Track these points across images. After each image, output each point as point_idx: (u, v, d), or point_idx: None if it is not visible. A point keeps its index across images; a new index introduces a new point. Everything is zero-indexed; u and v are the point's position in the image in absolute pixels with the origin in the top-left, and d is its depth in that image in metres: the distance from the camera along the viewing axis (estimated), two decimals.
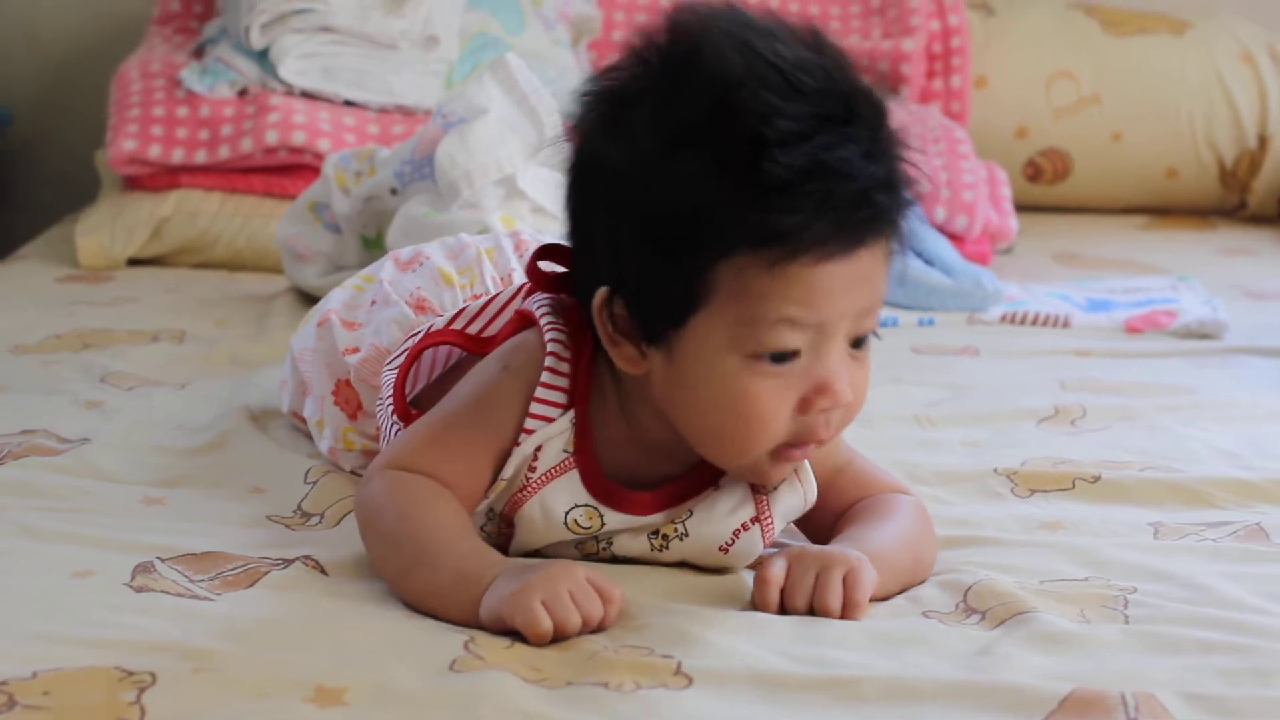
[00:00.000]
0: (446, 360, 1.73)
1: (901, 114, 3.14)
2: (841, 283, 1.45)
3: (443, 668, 1.36)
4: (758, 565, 1.58)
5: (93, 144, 3.32)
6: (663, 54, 1.49)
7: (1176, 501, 1.85)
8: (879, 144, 1.45)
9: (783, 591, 1.50)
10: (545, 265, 1.61)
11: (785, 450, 1.52)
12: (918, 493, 1.84)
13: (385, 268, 1.95)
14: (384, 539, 1.54)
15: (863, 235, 1.45)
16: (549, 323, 1.58)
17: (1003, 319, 2.69)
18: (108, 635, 1.39)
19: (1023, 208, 3.43)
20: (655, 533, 1.60)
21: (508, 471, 1.57)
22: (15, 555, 1.58)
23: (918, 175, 1.50)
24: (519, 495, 1.58)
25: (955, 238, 2.97)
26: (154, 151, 2.99)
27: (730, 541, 1.60)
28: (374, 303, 1.90)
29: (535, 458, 1.57)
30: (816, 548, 1.55)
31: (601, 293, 1.52)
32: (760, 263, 1.44)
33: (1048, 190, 3.54)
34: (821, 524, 1.65)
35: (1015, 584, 1.58)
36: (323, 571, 1.57)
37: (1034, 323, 2.67)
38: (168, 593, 1.50)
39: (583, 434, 1.57)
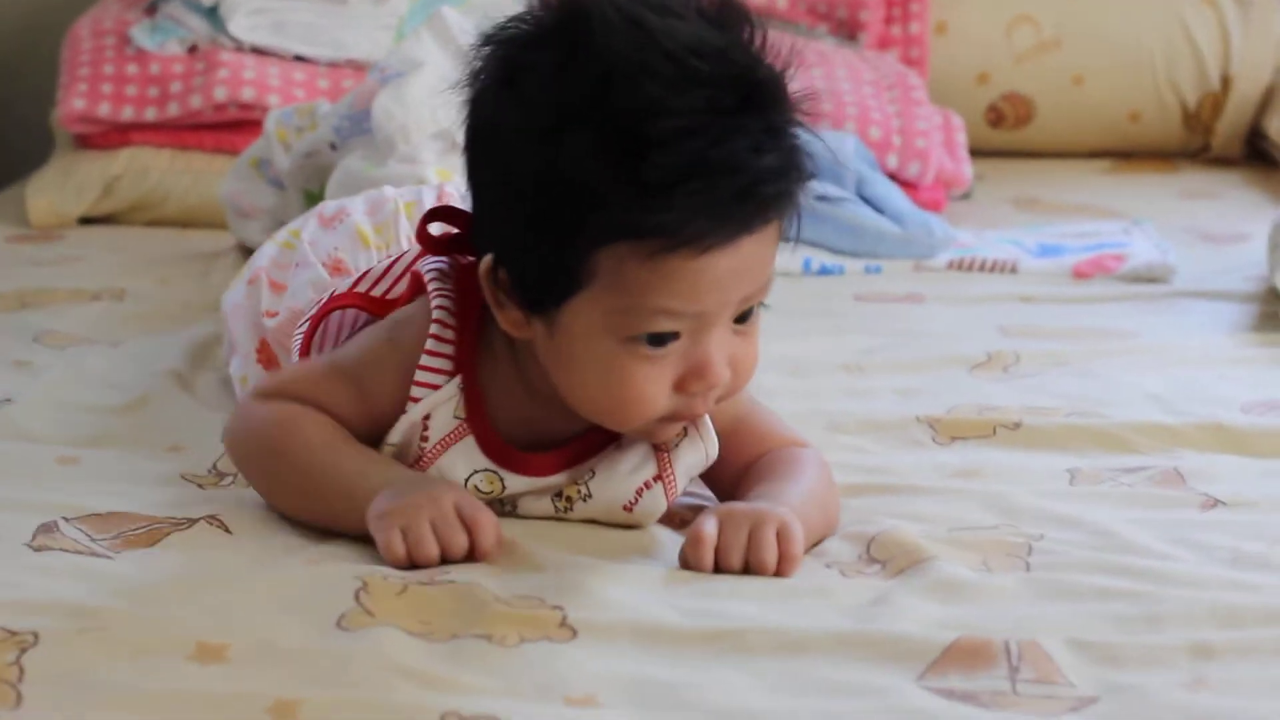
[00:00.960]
0: (354, 323, 1.73)
1: (856, 60, 3.16)
2: (723, 274, 1.44)
3: (329, 623, 1.36)
4: (679, 523, 1.59)
5: (47, 103, 3.31)
6: (556, 21, 1.47)
7: (1097, 447, 1.85)
8: (774, 130, 1.43)
9: (716, 550, 1.49)
10: (438, 227, 1.59)
11: (669, 420, 1.52)
12: (837, 442, 1.85)
13: (308, 225, 1.94)
14: (265, 473, 1.57)
15: (747, 226, 1.43)
16: (436, 289, 1.57)
17: (950, 265, 2.67)
18: None
19: (985, 153, 3.41)
20: (559, 494, 1.59)
21: (394, 438, 1.57)
22: None
23: (820, 152, 1.48)
24: (416, 466, 1.58)
25: (908, 185, 2.95)
26: (104, 109, 2.98)
27: (634, 500, 1.59)
28: (297, 265, 1.89)
29: (425, 427, 1.57)
30: (744, 505, 1.54)
31: (487, 260, 1.51)
32: (639, 254, 1.42)
33: (1010, 135, 3.51)
34: (723, 477, 1.64)
35: (921, 533, 1.58)
36: (226, 530, 1.57)
37: (981, 269, 2.66)
38: (66, 551, 1.51)
39: (473, 399, 1.57)
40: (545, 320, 1.49)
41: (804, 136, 1.47)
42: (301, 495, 1.54)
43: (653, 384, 1.48)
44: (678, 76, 1.40)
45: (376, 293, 1.68)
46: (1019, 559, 1.54)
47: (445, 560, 1.46)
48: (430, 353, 1.56)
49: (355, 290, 1.69)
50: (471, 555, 1.47)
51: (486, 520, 1.47)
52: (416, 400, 1.56)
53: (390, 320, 1.61)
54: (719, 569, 1.49)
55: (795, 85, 1.48)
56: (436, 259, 1.60)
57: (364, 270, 1.73)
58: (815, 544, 1.57)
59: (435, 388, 1.56)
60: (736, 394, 1.55)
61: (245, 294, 1.91)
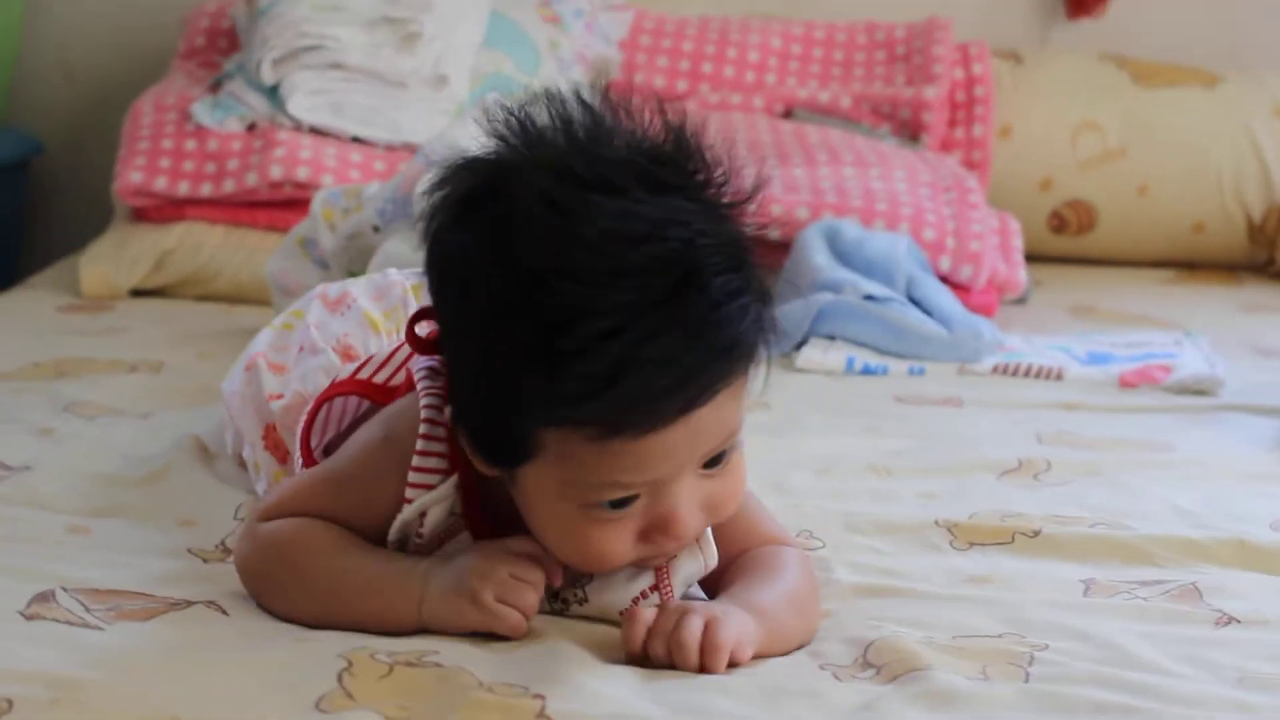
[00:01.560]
0: (356, 410, 1.72)
1: (915, 161, 3.15)
2: (671, 446, 1.41)
3: (309, 706, 1.35)
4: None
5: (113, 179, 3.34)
6: (479, 203, 1.42)
7: (1116, 559, 1.81)
8: (716, 307, 1.38)
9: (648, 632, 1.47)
10: (425, 327, 1.56)
11: (649, 560, 1.51)
12: (852, 542, 1.83)
13: (312, 308, 1.94)
14: (282, 590, 1.53)
15: (688, 410, 1.40)
16: (425, 388, 1.55)
17: (994, 370, 2.65)
18: None
19: (1046, 259, 3.40)
20: (555, 595, 1.57)
21: (392, 536, 1.55)
22: None
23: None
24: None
25: (960, 288, 2.94)
26: (160, 183, 3.01)
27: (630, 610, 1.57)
28: (301, 349, 1.89)
29: (420, 524, 1.55)
30: (687, 602, 1.51)
31: (448, 410, 1.50)
32: (581, 436, 1.40)
33: (1072, 242, 3.50)
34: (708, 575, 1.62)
35: (923, 639, 1.55)
36: (224, 612, 1.56)
37: (1026, 374, 2.64)
38: (58, 621, 1.50)
39: (469, 495, 1.55)
40: (508, 474, 1.48)
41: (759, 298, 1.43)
42: (325, 603, 1.50)
43: (615, 541, 1.46)
44: (599, 271, 1.36)
45: (379, 379, 1.67)
46: (1019, 669, 1.51)
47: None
48: (422, 453, 1.54)
49: (356, 377, 1.69)
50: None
51: (540, 549, 1.48)
52: (410, 501, 1.54)
53: (383, 416, 1.60)
54: (646, 654, 1.47)
55: (751, 207, 1.45)
56: (428, 359, 1.58)
57: (367, 356, 1.73)
58: (795, 647, 1.54)
59: (430, 487, 1.54)
60: (714, 523, 1.52)
61: (244, 381, 1.90)
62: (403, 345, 1.68)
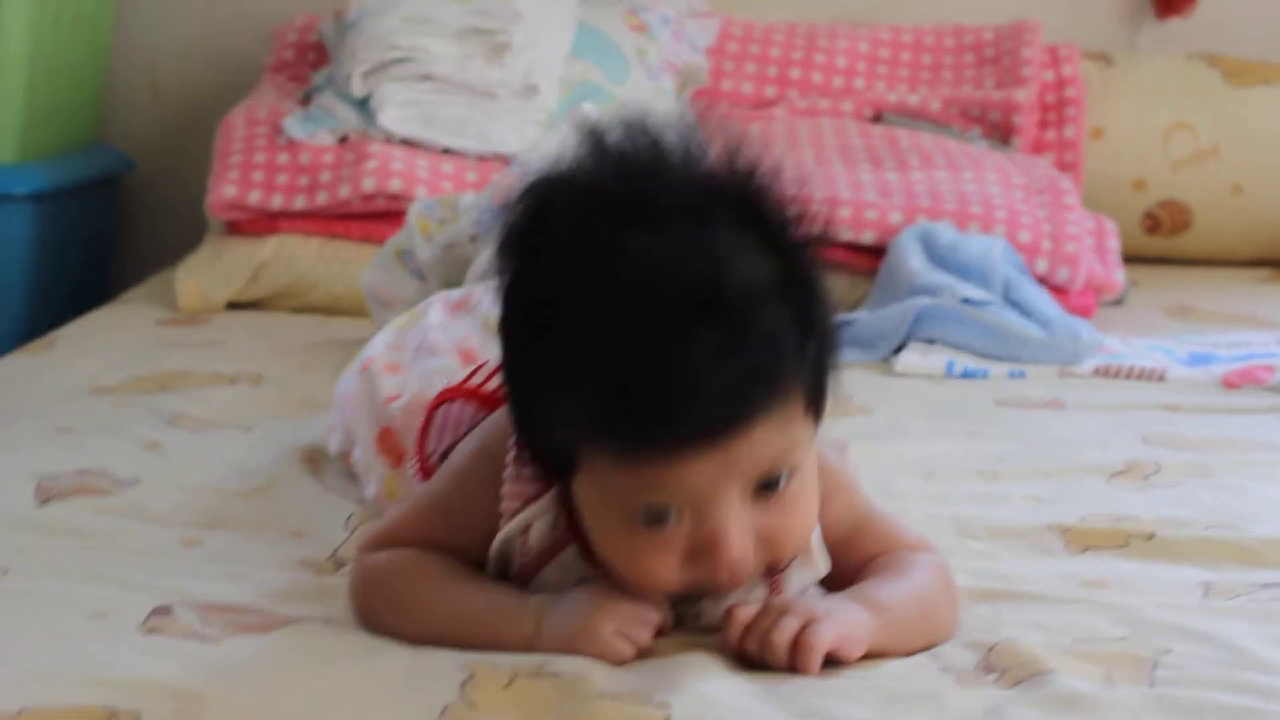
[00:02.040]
0: (474, 416, 1.71)
1: (1007, 164, 3.13)
2: (698, 472, 1.39)
3: (433, 716, 1.34)
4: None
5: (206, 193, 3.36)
6: (521, 224, 1.42)
7: (1232, 561, 1.79)
8: (734, 343, 1.35)
9: (746, 630, 1.46)
10: None
11: (695, 589, 1.47)
12: (966, 548, 1.81)
13: (433, 310, 1.94)
14: (396, 621, 1.51)
15: (710, 442, 1.37)
16: None
17: (1095, 372, 2.63)
18: (104, 674, 1.39)
19: (1140, 260, 3.38)
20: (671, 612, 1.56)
21: (493, 551, 1.54)
22: (37, 595, 1.59)
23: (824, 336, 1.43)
24: (519, 577, 1.55)
25: (1057, 290, 2.92)
26: (254, 197, 3.02)
27: None
28: (418, 348, 1.88)
29: (525, 539, 1.54)
30: (791, 599, 1.50)
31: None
32: (607, 456, 1.39)
33: (1166, 242, 3.47)
34: (840, 584, 1.60)
35: (1044, 643, 1.53)
36: (340, 627, 1.55)
37: (1128, 376, 2.61)
38: (177, 635, 1.50)
39: (571, 510, 1.52)
40: (566, 487, 1.48)
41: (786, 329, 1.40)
42: (432, 637, 1.48)
43: (659, 560, 1.43)
44: (615, 297, 1.35)
45: (489, 388, 1.67)
46: (1144, 673, 1.49)
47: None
48: (517, 462, 1.53)
49: (466, 385, 1.68)
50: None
51: (657, 596, 1.47)
52: (513, 512, 1.53)
53: (479, 430, 1.60)
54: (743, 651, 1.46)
55: (812, 240, 1.43)
56: None
57: (481, 363, 1.72)
58: (920, 647, 1.52)
59: (528, 500, 1.52)
60: (785, 558, 1.49)
61: (359, 383, 1.90)
62: None
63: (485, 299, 1.90)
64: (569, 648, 1.43)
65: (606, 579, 1.52)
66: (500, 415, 1.58)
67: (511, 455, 1.53)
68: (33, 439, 2.12)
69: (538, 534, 1.53)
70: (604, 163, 1.41)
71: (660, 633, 1.47)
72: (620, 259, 1.36)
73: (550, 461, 1.46)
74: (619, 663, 1.43)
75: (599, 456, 1.40)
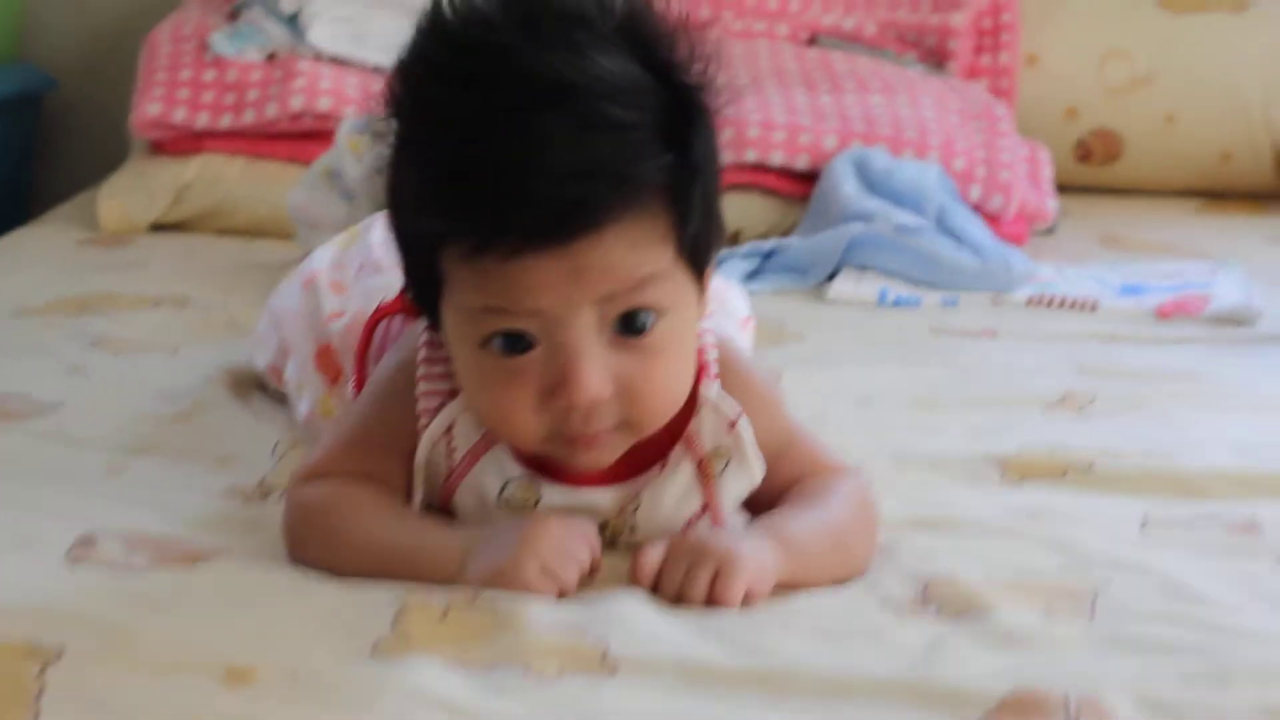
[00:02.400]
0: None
1: (943, 90, 3.11)
2: (551, 275, 1.35)
3: (364, 650, 1.32)
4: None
5: (129, 111, 3.30)
6: (406, 57, 1.43)
7: (1170, 493, 1.78)
8: (582, 130, 1.33)
9: (656, 579, 1.44)
10: None
11: (567, 441, 1.44)
12: (903, 478, 1.80)
13: (376, 227, 1.91)
14: (328, 555, 1.48)
15: (556, 228, 1.34)
16: None
17: (1029, 302, 2.61)
18: (28, 605, 1.36)
19: (1072, 189, 3.35)
20: (604, 527, 1.53)
21: (420, 457, 1.51)
22: None
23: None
24: (449, 484, 1.52)
25: (991, 217, 2.90)
26: (179, 115, 2.96)
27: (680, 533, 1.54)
28: (361, 266, 1.86)
29: (450, 440, 1.51)
30: (697, 536, 1.46)
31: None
32: (459, 253, 1.37)
33: (1098, 171, 3.46)
34: (760, 505, 1.58)
35: (983, 576, 1.52)
36: (269, 558, 1.52)
37: (1061, 306, 2.60)
38: (103, 565, 1.47)
39: None
40: (440, 328, 1.46)
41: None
42: (363, 570, 1.45)
43: (512, 395, 1.40)
44: (464, 77, 1.34)
45: None
46: (1084, 606, 1.48)
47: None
48: (428, 361, 1.51)
49: (402, 299, 1.66)
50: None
51: (592, 530, 1.46)
52: (429, 411, 1.50)
53: (395, 347, 1.58)
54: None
55: (703, 94, 1.41)
56: None
57: None
58: (832, 579, 1.50)
59: (445, 394, 1.50)
60: (646, 421, 1.45)
61: (301, 298, 1.87)
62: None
63: None
64: (492, 585, 1.40)
65: (539, 477, 1.50)
66: (414, 327, 1.56)
67: (423, 354, 1.50)
68: None
69: (462, 431, 1.51)
70: None
71: (593, 569, 1.45)
72: (476, 44, 1.35)
73: (425, 289, 1.43)
74: (550, 591, 1.41)
75: (453, 264, 1.38)
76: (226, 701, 1.24)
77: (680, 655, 1.33)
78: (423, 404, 1.51)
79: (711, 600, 1.41)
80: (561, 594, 1.41)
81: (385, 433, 1.53)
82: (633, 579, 1.44)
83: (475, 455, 1.51)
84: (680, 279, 1.42)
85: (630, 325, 1.40)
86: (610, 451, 1.46)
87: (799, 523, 1.51)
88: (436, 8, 1.39)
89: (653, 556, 1.44)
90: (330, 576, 1.46)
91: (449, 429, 1.51)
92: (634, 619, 1.39)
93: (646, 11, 1.41)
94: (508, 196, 1.33)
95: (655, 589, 1.44)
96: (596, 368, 1.39)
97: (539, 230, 1.34)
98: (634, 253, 1.38)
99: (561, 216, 1.34)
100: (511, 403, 1.41)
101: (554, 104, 1.33)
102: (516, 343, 1.39)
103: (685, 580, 1.42)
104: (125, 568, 1.46)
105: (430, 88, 1.36)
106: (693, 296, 1.45)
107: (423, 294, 1.45)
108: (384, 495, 1.51)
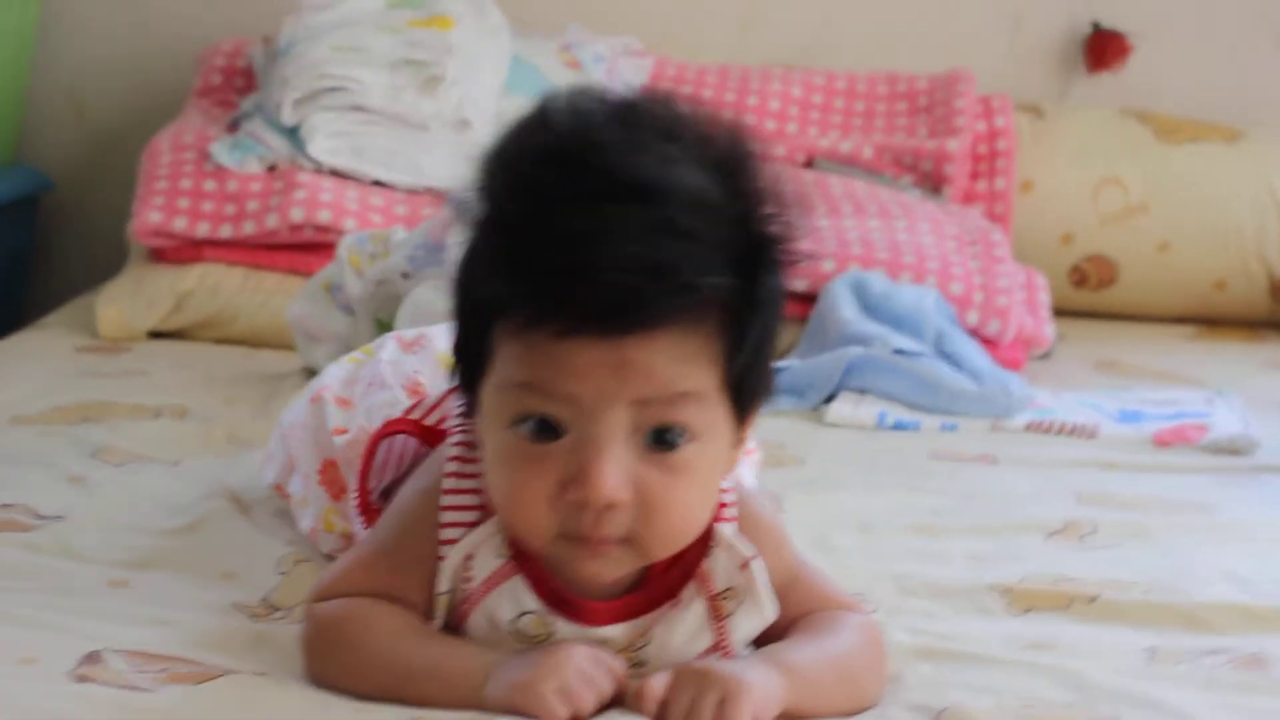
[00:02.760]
0: (417, 451, 1.68)
1: (940, 214, 3.12)
2: (594, 364, 1.37)
3: None
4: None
5: (129, 215, 3.30)
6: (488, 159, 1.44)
7: (1176, 626, 1.78)
8: (660, 232, 1.35)
9: (662, 708, 1.42)
10: None
11: (573, 541, 1.43)
12: (906, 605, 1.80)
13: (387, 347, 1.91)
14: (346, 677, 1.47)
15: (611, 318, 1.36)
16: (455, 425, 1.54)
17: (1027, 427, 2.62)
18: None
19: (1067, 313, 3.37)
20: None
21: (442, 586, 1.51)
22: None
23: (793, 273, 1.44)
24: (462, 608, 1.52)
25: (988, 342, 2.91)
26: (179, 224, 2.97)
27: None
28: (370, 384, 1.86)
29: (468, 568, 1.51)
30: (700, 664, 1.45)
31: (451, 359, 1.50)
32: (511, 328, 1.38)
33: (1093, 296, 3.47)
34: (768, 641, 1.56)
35: (994, 706, 1.52)
36: (275, 679, 1.51)
37: (1059, 432, 2.60)
38: (109, 684, 1.46)
39: (516, 538, 1.50)
40: (475, 413, 1.47)
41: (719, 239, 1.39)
42: (385, 686, 1.45)
43: (532, 483, 1.40)
44: (556, 161, 1.36)
45: (431, 420, 1.64)
46: None
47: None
48: (452, 491, 1.51)
49: (409, 417, 1.65)
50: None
51: (618, 664, 1.44)
52: (450, 541, 1.50)
53: (419, 471, 1.58)
54: None
55: (780, 245, 1.42)
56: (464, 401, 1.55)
57: (422, 398, 1.70)
58: (836, 712, 1.49)
59: (468, 525, 1.50)
60: (657, 542, 1.44)
61: (308, 412, 1.87)
62: (455, 389, 1.65)
63: (439, 337, 1.88)
64: (510, 704, 1.39)
65: (554, 613, 1.50)
66: (439, 454, 1.55)
67: (448, 484, 1.51)
68: None
69: (482, 561, 1.50)
70: (603, 103, 1.42)
71: (618, 698, 1.43)
72: (570, 136, 1.38)
73: (471, 364, 1.44)
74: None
75: (504, 336, 1.39)
76: None
77: None
78: (445, 534, 1.51)
79: None
80: (575, 718, 1.40)
81: (406, 556, 1.52)
82: (637, 707, 1.42)
83: (491, 584, 1.51)
84: (719, 409, 1.43)
85: (660, 439, 1.40)
86: (614, 565, 1.45)
87: (804, 653, 1.51)
88: (544, 103, 1.42)
89: (656, 685, 1.42)
90: (340, 696, 1.45)
91: (468, 557, 1.50)
92: None
93: (746, 150, 1.42)
94: (571, 274, 1.35)
95: (660, 718, 1.42)
96: (617, 468, 1.39)
97: (593, 315, 1.35)
98: (679, 365, 1.39)
99: (618, 307, 1.35)
100: (529, 490, 1.41)
101: (634, 200, 1.35)
102: (546, 429, 1.40)
103: (691, 708, 1.41)
104: (131, 687, 1.45)
105: (522, 166, 1.38)
106: (728, 432, 1.45)
107: (468, 372, 1.45)
108: (404, 614, 1.50)
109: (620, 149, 1.37)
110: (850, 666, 1.53)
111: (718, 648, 1.53)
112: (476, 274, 1.41)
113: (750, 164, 1.42)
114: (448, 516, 1.51)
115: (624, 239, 1.34)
